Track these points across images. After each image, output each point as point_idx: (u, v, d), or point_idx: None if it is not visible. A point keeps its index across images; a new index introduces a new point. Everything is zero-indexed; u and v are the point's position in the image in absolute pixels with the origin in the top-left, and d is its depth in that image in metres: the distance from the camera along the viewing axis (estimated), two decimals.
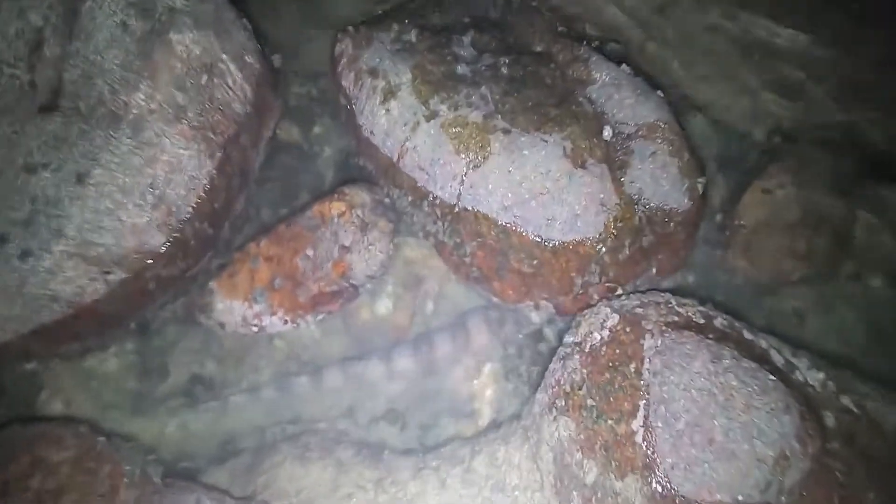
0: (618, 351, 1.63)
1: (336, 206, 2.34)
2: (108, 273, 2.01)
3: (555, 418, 1.62)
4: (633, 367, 1.59)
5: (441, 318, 2.16)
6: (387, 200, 2.40)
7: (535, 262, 1.98)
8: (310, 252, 2.26)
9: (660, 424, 1.47)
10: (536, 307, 2.13)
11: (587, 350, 1.68)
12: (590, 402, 1.58)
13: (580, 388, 1.61)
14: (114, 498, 1.68)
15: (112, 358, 2.19)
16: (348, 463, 1.85)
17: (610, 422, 1.55)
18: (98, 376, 2.17)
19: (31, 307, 2.00)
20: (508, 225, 1.98)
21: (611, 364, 1.62)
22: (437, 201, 2.09)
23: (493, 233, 2.02)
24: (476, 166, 2.03)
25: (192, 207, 2.08)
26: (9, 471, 1.71)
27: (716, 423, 1.45)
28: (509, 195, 1.95)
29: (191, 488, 1.83)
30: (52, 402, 2.10)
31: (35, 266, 1.88)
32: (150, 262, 2.05)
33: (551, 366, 1.78)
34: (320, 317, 2.26)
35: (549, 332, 2.15)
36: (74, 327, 2.11)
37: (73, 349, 2.19)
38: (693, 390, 1.49)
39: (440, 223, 2.16)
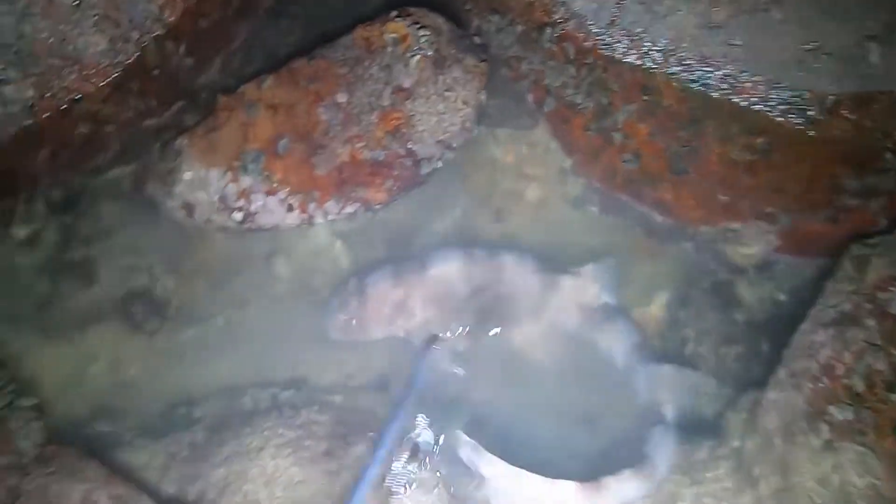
0: None
1: (393, 28, 1.36)
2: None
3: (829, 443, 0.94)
4: None
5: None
6: (476, 39, 1.41)
7: (760, 145, 1.12)
8: (342, 98, 1.31)
9: None
10: (741, 235, 1.23)
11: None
12: None
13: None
14: None
15: (15, 239, 1.35)
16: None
17: None
18: None
19: None
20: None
21: None
22: (571, 33, 1.23)
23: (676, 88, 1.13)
24: None
25: (163, 19, 1.40)
26: None
27: None
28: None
29: (85, 470, 0.96)
30: None
31: None
32: (84, 89, 1.35)
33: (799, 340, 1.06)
34: (350, 208, 1.31)
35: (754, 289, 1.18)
36: None
37: None
38: None
39: (572, 71, 1.28)
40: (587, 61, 1.23)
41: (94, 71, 1.41)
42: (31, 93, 1.32)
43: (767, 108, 1.12)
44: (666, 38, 1.14)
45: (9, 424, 0.98)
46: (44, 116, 1.35)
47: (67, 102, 1.36)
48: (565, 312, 1.21)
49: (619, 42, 1.18)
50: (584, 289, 1.21)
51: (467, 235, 1.37)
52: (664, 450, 1.08)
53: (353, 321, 1.20)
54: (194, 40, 1.54)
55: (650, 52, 1.16)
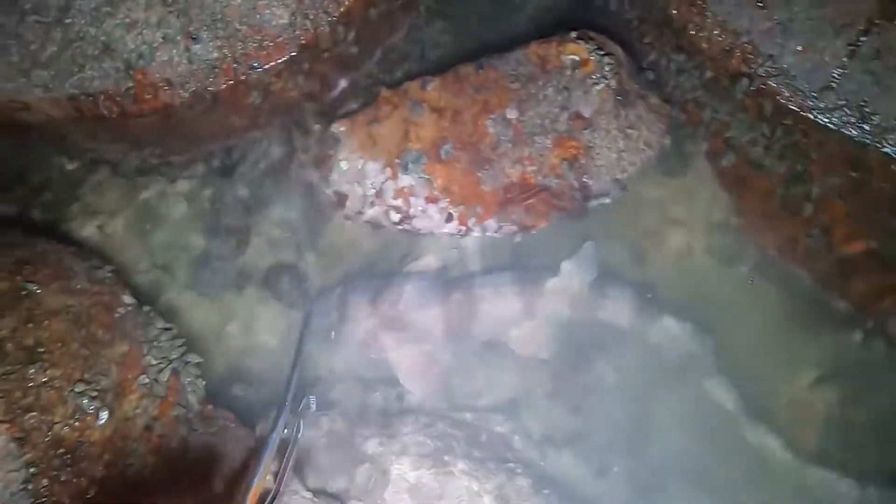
0: None
1: (572, 50, 1.31)
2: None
3: None
4: None
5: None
6: (649, 74, 1.35)
7: None
8: (512, 113, 1.27)
9: None
10: None
11: None
12: None
13: None
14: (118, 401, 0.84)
15: (177, 196, 1.41)
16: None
17: None
18: (153, 215, 1.40)
19: (90, 66, 1.28)
20: None
21: None
22: (773, 89, 1.13)
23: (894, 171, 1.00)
24: None
25: (341, 0, 1.40)
26: None
27: None
28: None
29: (244, 438, 0.96)
30: (84, 220, 1.36)
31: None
32: (263, 59, 1.37)
33: None
34: (507, 228, 1.26)
35: None
36: (140, 123, 1.36)
37: (130, 161, 1.43)
38: None
39: (765, 129, 1.20)
40: (786, 122, 1.15)
41: (273, 43, 1.43)
42: (216, 54, 1.35)
43: None
44: (894, 115, 1.05)
45: (181, 377, 0.98)
46: (223, 79, 1.39)
47: (245, 70, 1.40)
48: (558, 309, 1.22)
49: (831, 109, 1.09)
50: (568, 282, 1.21)
51: (604, 272, 1.32)
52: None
53: (333, 333, 1.18)
54: (362, 28, 1.54)
55: (869, 127, 1.07)
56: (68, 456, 0.84)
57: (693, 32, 1.30)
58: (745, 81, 1.20)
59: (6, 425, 0.81)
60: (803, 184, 1.15)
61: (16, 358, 0.85)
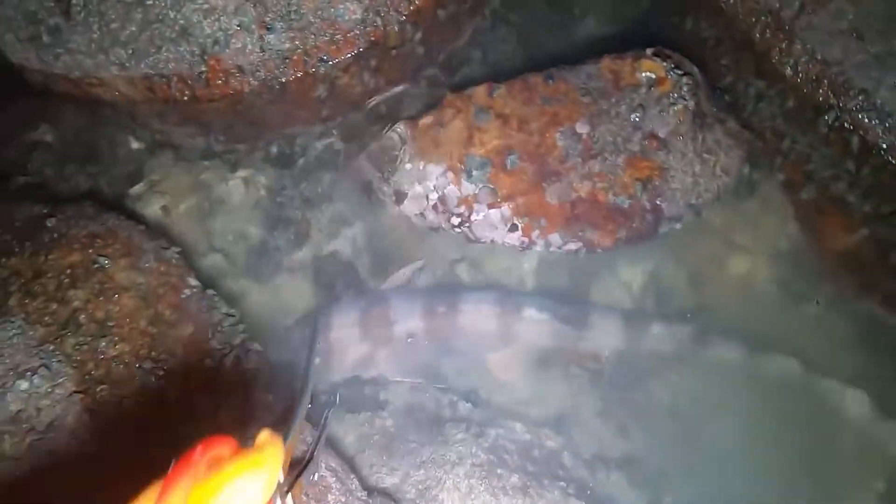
0: None
1: (648, 67, 1.28)
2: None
3: None
4: None
5: None
6: (726, 97, 1.31)
7: None
8: (582, 128, 1.24)
9: None
10: None
11: None
12: None
13: None
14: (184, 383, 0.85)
15: (238, 183, 1.40)
16: None
17: None
18: (213, 199, 1.41)
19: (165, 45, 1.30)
20: None
21: None
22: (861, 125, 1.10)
23: None
24: None
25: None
26: (54, 263, 0.98)
27: None
28: None
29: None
30: (150, 199, 1.38)
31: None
32: (333, 53, 1.37)
33: None
34: (572, 245, 1.23)
35: None
36: (208, 108, 1.38)
37: (195, 146, 1.45)
38: None
39: (849, 166, 1.17)
40: (874, 162, 1.10)
41: (343, 38, 1.43)
42: (287, 45, 1.36)
43: None
44: None
45: (244, 364, 0.98)
46: (292, 70, 1.39)
47: (314, 63, 1.40)
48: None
49: None
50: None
51: (661, 301, 1.28)
52: None
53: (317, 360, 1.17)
54: (429, 29, 1.53)
55: None
56: (136, 433, 0.85)
57: (777, 58, 1.25)
58: (831, 114, 1.15)
59: (80, 396, 0.82)
60: (891, 227, 1.09)
61: (88, 330, 0.86)
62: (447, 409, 1.05)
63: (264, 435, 0.49)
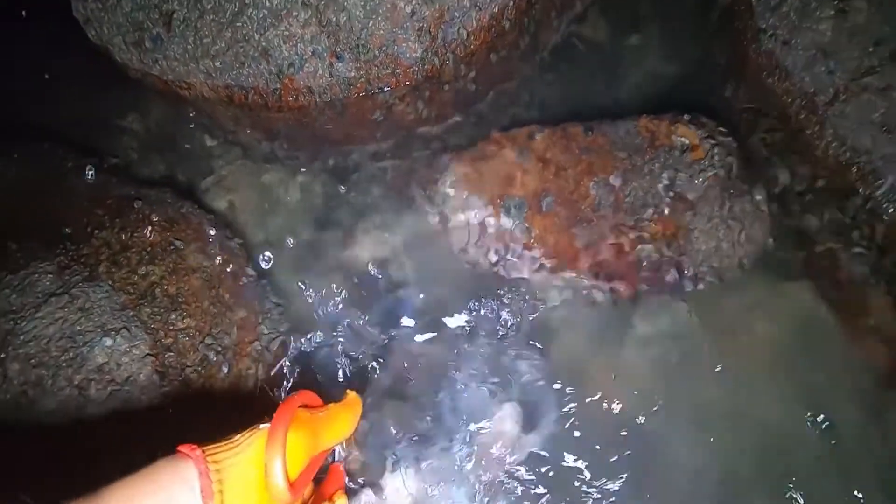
0: None
1: (683, 132, 1.39)
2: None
3: None
4: None
5: None
6: (757, 169, 1.39)
7: None
8: (615, 180, 1.35)
9: None
10: None
11: None
12: None
13: None
14: (236, 360, 0.96)
15: (295, 186, 1.56)
16: None
17: None
18: (272, 199, 1.56)
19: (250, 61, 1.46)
20: None
21: None
22: (888, 215, 1.12)
23: None
24: None
25: (467, 44, 1.51)
26: (138, 240, 1.11)
27: None
28: None
29: None
30: (218, 192, 1.54)
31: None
32: (392, 83, 1.51)
33: None
34: (597, 290, 1.31)
35: None
36: (277, 117, 1.52)
37: (261, 149, 1.61)
38: None
39: (873, 255, 1.21)
40: None
41: (403, 72, 1.58)
42: (353, 73, 1.51)
43: None
44: None
45: (288, 350, 1.09)
46: (354, 94, 1.54)
47: (375, 90, 1.55)
48: None
49: None
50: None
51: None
52: None
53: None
54: (482, 70, 1.67)
55: None
56: (194, 398, 0.96)
57: (809, 139, 1.26)
58: (858, 200, 1.18)
59: (152, 358, 0.94)
60: None
61: (162, 303, 0.99)
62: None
63: (352, 393, 0.67)
